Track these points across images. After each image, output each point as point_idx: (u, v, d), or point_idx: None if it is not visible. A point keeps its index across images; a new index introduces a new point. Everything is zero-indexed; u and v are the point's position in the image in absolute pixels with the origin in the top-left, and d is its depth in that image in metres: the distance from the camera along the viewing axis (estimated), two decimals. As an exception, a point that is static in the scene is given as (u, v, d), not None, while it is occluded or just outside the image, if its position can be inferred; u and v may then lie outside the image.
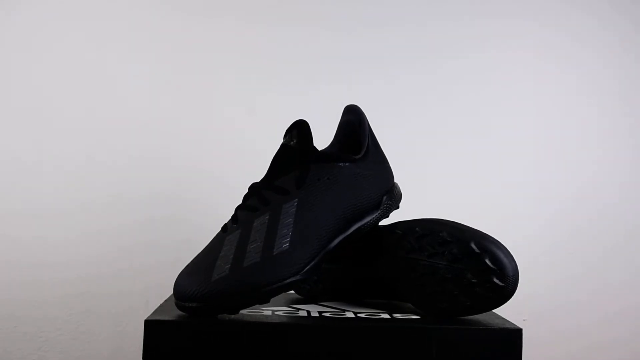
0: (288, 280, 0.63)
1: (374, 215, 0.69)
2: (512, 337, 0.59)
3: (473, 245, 0.62)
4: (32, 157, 0.99)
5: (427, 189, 1.04)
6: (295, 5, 1.13)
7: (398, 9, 1.15)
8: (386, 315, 0.65)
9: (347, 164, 0.68)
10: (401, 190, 0.76)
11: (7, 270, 0.96)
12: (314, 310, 0.69)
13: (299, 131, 0.68)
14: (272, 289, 0.62)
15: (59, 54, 1.03)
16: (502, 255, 0.61)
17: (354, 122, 0.74)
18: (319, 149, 0.71)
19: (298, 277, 0.63)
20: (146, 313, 1.00)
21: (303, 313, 0.67)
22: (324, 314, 0.66)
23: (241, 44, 1.11)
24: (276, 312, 0.67)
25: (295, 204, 0.65)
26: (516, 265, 0.62)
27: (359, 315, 0.66)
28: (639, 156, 1.17)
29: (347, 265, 0.74)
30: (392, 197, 0.72)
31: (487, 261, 0.61)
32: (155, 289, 1.02)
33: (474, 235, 0.63)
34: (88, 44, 1.04)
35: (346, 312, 0.67)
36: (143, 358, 0.60)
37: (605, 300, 1.13)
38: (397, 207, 0.73)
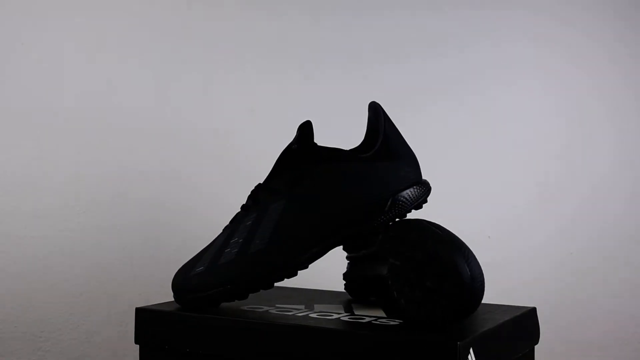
0: (260, 279, 0.65)
1: (376, 217, 0.66)
2: (446, 351, 0.53)
3: (429, 248, 0.59)
4: (32, 158, 0.99)
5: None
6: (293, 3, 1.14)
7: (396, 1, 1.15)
8: (368, 319, 0.64)
9: (346, 164, 0.67)
10: (429, 188, 0.71)
11: (7, 270, 0.96)
12: (313, 310, 0.68)
13: (300, 132, 0.68)
14: (243, 286, 0.65)
15: (58, 53, 1.03)
16: (457, 260, 0.57)
17: (372, 119, 0.72)
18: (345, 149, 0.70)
19: (272, 276, 0.65)
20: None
21: (296, 312, 0.67)
22: (311, 315, 0.66)
23: (241, 43, 1.11)
24: (270, 310, 0.68)
25: (283, 204, 0.66)
26: (476, 273, 0.57)
27: (342, 318, 0.64)
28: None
29: (365, 265, 0.74)
30: (403, 197, 0.67)
31: (441, 266, 0.58)
32: (156, 290, 1.02)
33: (434, 237, 0.60)
34: (87, 44, 1.04)
35: (335, 314, 0.66)
36: (135, 341, 0.69)
37: (608, 302, 1.13)
38: (418, 207, 0.69)
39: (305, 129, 0.68)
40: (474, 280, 0.57)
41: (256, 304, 0.71)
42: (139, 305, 0.70)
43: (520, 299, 1.09)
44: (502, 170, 1.15)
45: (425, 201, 0.70)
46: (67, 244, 1.00)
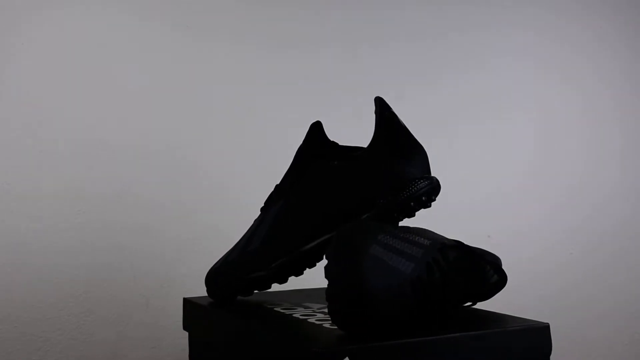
0: (252, 276, 0.67)
1: (366, 216, 0.63)
2: (302, 356, 0.51)
3: (328, 255, 0.55)
4: (32, 158, 0.99)
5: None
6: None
7: (403, 22, 1.16)
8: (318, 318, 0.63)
9: (337, 163, 0.66)
10: (436, 187, 0.65)
11: (7, 270, 0.96)
12: (317, 310, 0.68)
13: (307, 133, 0.69)
14: (239, 282, 0.68)
15: (60, 54, 1.03)
16: (343, 269, 0.53)
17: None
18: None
19: (261, 273, 0.67)
20: (146, 313, 1.01)
21: (296, 311, 0.68)
22: (294, 315, 0.66)
23: (240, 44, 1.11)
24: (276, 309, 0.69)
25: (281, 204, 0.67)
26: (376, 285, 0.52)
27: (310, 319, 0.64)
28: (629, 155, 1.17)
29: None
30: (397, 196, 0.63)
31: (329, 275, 0.54)
32: (155, 289, 1.02)
33: (334, 246, 0.55)
34: (88, 44, 1.04)
35: (322, 314, 0.66)
36: (183, 328, 0.76)
37: (608, 302, 1.13)
38: (424, 206, 0.64)
39: (312, 129, 0.68)
40: (330, 295, 0.52)
41: (284, 300, 0.73)
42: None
43: (520, 299, 1.09)
44: (503, 169, 1.15)
45: (426, 198, 0.64)
46: (67, 244, 0.99)
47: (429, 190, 0.65)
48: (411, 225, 0.64)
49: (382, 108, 0.68)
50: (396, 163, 0.65)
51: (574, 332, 1.11)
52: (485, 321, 0.64)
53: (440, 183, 0.66)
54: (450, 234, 0.69)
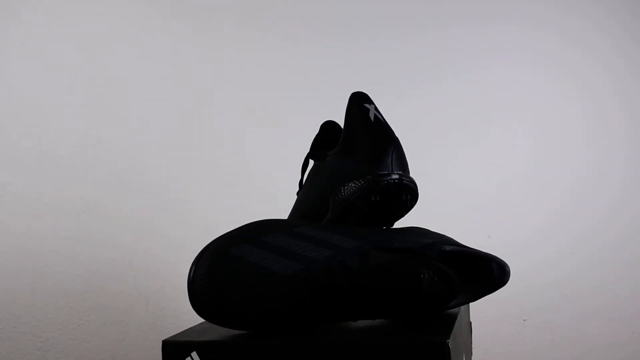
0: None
1: (326, 219, 0.62)
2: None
3: None
4: (32, 158, 0.99)
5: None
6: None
7: (393, 15, 1.16)
8: None
9: (319, 163, 0.66)
10: (398, 185, 0.59)
11: (7, 270, 0.96)
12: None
13: (317, 133, 0.68)
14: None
15: (60, 54, 1.03)
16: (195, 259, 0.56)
17: None
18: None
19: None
20: (146, 313, 1.01)
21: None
22: None
23: (240, 46, 1.11)
24: None
25: (295, 203, 0.67)
26: (197, 275, 0.54)
27: None
28: (636, 154, 1.17)
29: None
30: (339, 193, 0.60)
31: None
32: (155, 289, 1.02)
33: None
34: (87, 44, 1.04)
35: None
36: None
37: (608, 301, 1.13)
38: (380, 205, 0.60)
39: (320, 129, 0.68)
40: (194, 283, 0.53)
41: None
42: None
43: (520, 299, 1.09)
44: (503, 168, 1.15)
45: (379, 197, 0.59)
46: (67, 245, 0.99)
47: (383, 188, 0.59)
48: (413, 226, 0.63)
49: (351, 103, 0.64)
50: (354, 160, 0.61)
51: (573, 331, 1.11)
52: (390, 330, 0.57)
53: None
54: (451, 235, 0.69)
